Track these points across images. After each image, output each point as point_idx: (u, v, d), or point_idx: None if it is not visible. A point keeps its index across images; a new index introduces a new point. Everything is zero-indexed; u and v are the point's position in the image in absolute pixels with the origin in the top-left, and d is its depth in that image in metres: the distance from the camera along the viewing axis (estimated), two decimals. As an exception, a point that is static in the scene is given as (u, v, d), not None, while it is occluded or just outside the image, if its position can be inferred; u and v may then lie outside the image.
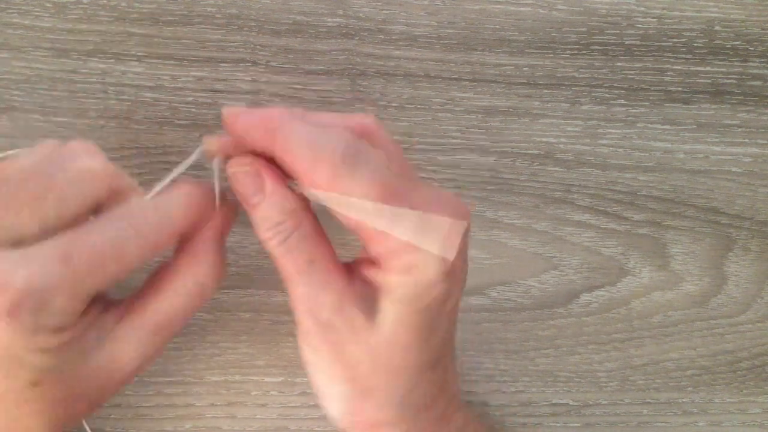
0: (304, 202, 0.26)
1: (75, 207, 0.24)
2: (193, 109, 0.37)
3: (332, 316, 0.26)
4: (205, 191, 0.26)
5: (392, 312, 0.26)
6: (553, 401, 0.37)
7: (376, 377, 0.26)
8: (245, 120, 0.25)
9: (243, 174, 0.26)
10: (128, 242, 0.24)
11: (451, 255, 0.25)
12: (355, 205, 0.24)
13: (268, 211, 0.25)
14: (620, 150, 0.39)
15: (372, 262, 0.26)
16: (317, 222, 0.27)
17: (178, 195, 0.26)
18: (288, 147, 0.25)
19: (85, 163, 0.25)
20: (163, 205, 0.25)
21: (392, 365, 0.26)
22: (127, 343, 0.25)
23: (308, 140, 0.24)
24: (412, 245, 0.25)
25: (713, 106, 0.41)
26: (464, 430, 0.30)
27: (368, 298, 0.26)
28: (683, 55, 0.41)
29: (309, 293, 0.26)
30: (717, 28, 0.41)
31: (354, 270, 0.27)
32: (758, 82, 0.41)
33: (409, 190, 0.25)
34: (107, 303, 0.26)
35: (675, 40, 0.41)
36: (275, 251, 0.26)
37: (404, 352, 0.26)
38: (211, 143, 0.26)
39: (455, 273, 0.26)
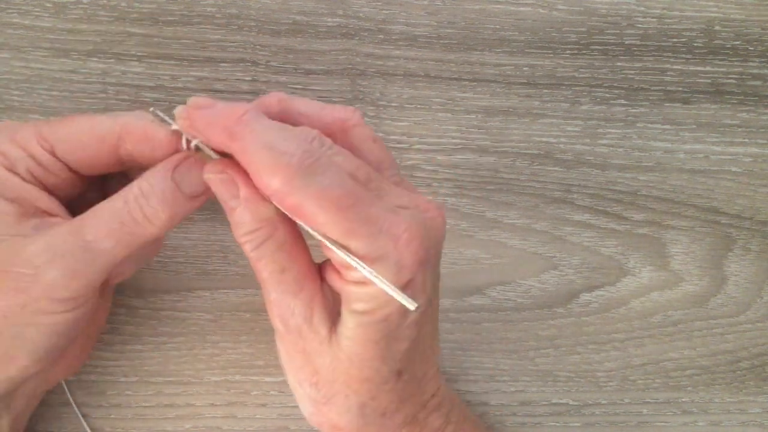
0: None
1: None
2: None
3: (301, 325, 0.26)
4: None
5: (351, 323, 0.25)
6: (553, 401, 0.37)
7: (336, 386, 0.26)
8: (205, 116, 0.25)
9: (218, 180, 0.25)
10: (102, 119, 0.27)
11: (405, 273, 0.24)
12: (308, 220, 0.24)
13: (242, 218, 0.25)
14: (620, 150, 0.39)
15: (334, 267, 0.26)
16: (295, 228, 0.26)
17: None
18: (244, 149, 0.23)
19: None
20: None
21: (350, 376, 0.26)
22: (45, 239, 0.26)
23: (265, 144, 0.23)
24: (367, 262, 0.24)
25: (713, 106, 0.41)
26: (444, 430, 0.30)
27: (335, 306, 0.26)
28: (683, 55, 0.41)
29: (280, 300, 0.26)
30: (717, 28, 0.41)
31: (324, 271, 0.27)
32: (758, 82, 0.41)
33: (369, 202, 0.24)
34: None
35: (675, 40, 0.41)
36: (249, 255, 0.26)
37: (361, 365, 0.26)
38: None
39: (415, 284, 0.25)
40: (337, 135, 0.27)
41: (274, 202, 0.24)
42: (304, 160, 0.23)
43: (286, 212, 0.24)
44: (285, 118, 0.26)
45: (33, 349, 0.26)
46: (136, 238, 0.26)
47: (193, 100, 0.25)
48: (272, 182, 0.23)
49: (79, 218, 0.25)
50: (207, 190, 0.26)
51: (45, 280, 0.24)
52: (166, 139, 0.26)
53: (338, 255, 0.24)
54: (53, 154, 0.27)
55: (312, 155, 0.23)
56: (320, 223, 0.23)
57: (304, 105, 0.27)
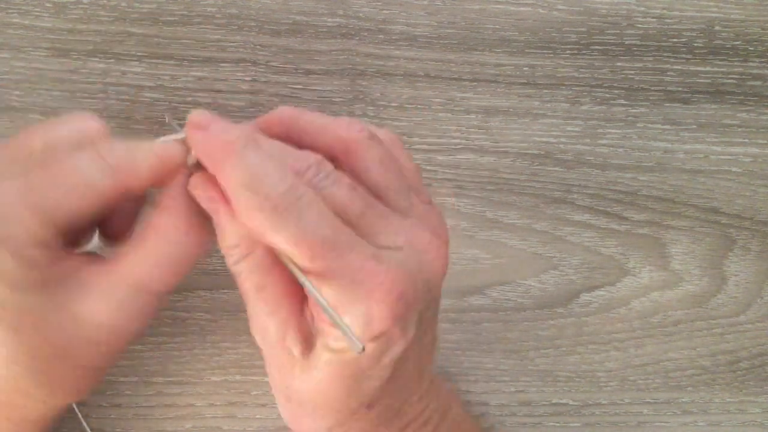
0: None
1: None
2: (193, 109, 0.37)
3: (274, 344, 0.26)
4: (177, 150, 0.26)
5: (322, 356, 0.25)
6: (553, 401, 0.37)
7: (307, 407, 0.27)
8: (198, 139, 0.24)
9: (200, 196, 0.25)
10: (95, 172, 0.24)
11: (375, 326, 0.24)
12: (284, 258, 0.24)
13: (223, 231, 0.25)
14: (620, 150, 0.39)
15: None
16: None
17: (150, 145, 0.26)
18: (228, 184, 0.23)
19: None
20: (135, 147, 0.25)
21: (317, 404, 0.26)
22: (107, 297, 0.25)
23: (248, 180, 0.23)
24: (336, 309, 0.24)
25: (713, 106, 0.40)
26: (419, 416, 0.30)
27: (311, 333, 0.26)
28: (683, 55, 0.41)
29: (256, 317, 0.26)
30: (717, 28, 0.41)
31: (307, 302, 0.26)
32: (758, 82, 0.41)
33: (350, 247, 0.23)
34: (92, 257, 0.26)
35: (675, 40, 0.41)
36: (230, 269, 0.26)
37: (329, 396, 0.26)
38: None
39: (391, 335, 0.24)
40: (341, 156, 0.26)
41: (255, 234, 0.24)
42: (284, 199, 0.23)
43: None
44: (290, 136, 0.26)
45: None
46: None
47: (192, 117, 0.25)
48: (249, 221, 0.23)
49: None
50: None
51: None
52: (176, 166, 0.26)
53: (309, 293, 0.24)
54: (54, 230, 0.24)
55: (295, 193, 0.23)
56: (295, 263, 0.23)
57: (309, 123, 0.26)
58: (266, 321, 0.25)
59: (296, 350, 0.25)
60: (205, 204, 0.25)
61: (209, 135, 0.24)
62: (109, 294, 0.25)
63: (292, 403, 0.27)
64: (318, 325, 0.25)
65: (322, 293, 0.23)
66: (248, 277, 0.25)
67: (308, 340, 0.25)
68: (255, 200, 0.23)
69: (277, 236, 0.23)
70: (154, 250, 0.25)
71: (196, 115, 0.25)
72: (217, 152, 0.24)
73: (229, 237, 0.25)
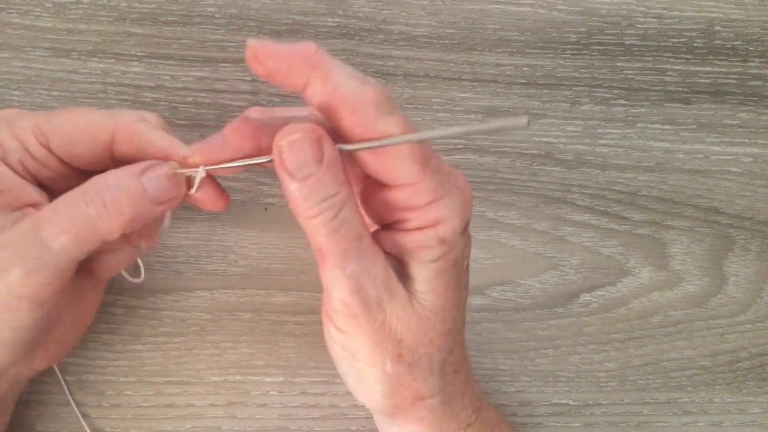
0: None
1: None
2: (193, 109, 0.37)
3: (382, 294, 0.25)
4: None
5: (425, 275, 0.26)
6: (553, 401, 0.37)
7: (422, 347, 0.26)
8: (282, 52, 0.23)
9: (300, 141, 0.23)
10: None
11: (468, 213, 0.26)
12: (393, 149, 0.24)
13: (322, 183, 0.23)
14: (620, 150, 0.39)
15: (390, 228, 0.26)
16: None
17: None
18: (337, 85, 0.23)
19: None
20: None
21: (435, 332, 0.26)
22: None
23: (354, 77, 0.23)
24: (436, 200, 0.24)
25: (713, 106, 0.40)
26: (480, 397, 0.31)
27: (399, 269, 0.26)
28: (683, 55, 0.41)
29: (359, 271, 0.25)
30: (717, 28, 0.41)
31: (381, 239, 0.27)
32: (758, 82, 0.41)
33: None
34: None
35: (675, 40, 0.41)
36: (324, 228, 0.24)
37: (444, 315, 0.26)
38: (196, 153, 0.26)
39: (468, 227, 0.26)
40: None
41: (359, 133, 0.23)
42: (385, 92, 0.24)
43: (366, 144, 0.23)
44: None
45: (1, 343, 0.25)
46: (93, 234, 0.24)
47: (254, 41, 0.24)
48: (368, 113, 0.23)
49: (39, 212, 0.25)
50: (171, 200, 0.25)
51: (6, 278, 0.24)
52: (157, 145, 0.26)
53: (403, 201, 0.25)
54: (48, 147, 0.26)
55: (385, 90, 0.24)
56: (402, 150, 0.23)
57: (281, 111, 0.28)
58: (372, 271, 0.25)
59: (402, 290, 0.26)
60: (306, 151, 0.23)
61: (291, 47, 0.24)
62: (10, 233, 0.25)
63: (404, 359, 0.26)
64: (411, 242, 0.25)
65: (425, 179, 0.24)
66: (351, 226, 0.24)
67: (402, 276, 0.26)
68: (366, 81, 0.23)
69: (393, 118, 0.23)
70: (61, 198, 0.25)
71: (256, 41, 0.24)
72: (311, 54, 0.23)
73: (332, 184, 0.23)
